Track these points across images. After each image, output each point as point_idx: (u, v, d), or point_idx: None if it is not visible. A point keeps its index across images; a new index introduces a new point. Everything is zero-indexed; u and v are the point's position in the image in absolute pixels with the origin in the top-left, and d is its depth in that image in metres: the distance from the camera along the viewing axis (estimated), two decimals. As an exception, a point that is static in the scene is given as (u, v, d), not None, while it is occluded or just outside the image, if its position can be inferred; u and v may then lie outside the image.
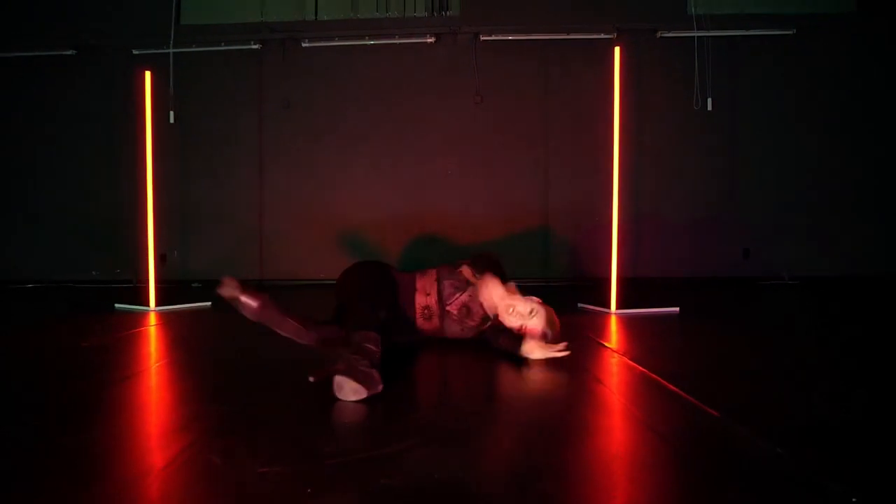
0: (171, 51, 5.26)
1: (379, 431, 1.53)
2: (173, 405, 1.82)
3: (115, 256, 5.46)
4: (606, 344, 2.62)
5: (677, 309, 3.52)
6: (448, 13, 5.31)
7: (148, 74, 3.79)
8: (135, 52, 5.35)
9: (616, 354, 2.41)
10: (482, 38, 5.24)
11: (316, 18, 5.33)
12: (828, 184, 5.29)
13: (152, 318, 3.43)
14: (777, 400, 1.79)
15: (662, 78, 5.31)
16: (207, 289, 5.07)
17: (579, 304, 3.73)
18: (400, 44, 5.29)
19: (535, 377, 2.10)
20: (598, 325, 3.11)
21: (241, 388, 1.96)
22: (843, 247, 5.28)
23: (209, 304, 3.93)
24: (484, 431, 1.54)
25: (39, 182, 5.51)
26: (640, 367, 2.15)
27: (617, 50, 3.52)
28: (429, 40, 5.26)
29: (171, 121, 5.09)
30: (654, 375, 2.02)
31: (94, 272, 5.48)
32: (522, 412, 1.73)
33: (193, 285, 5.24)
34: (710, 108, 5.22)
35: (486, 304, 2.42)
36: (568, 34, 5.24)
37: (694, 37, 5.17)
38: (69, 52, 5.38)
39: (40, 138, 5.50)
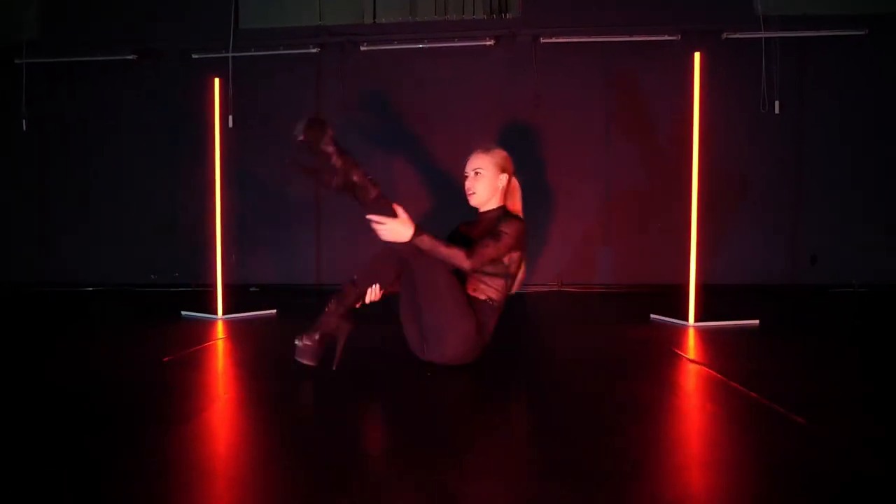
0: (230, 55, 5.28)
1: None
2: (273, 431, 1.77)
3: (172, 260, 5.50)
4: (704, 364, 2.52)
5: (757, 322, 3.40)
6: (507, 15, 5.23)
7: (217, 81, 3.77)
8: (194, 56, 5.38)
9: (724, 380, 2.31)
10: (542, 40, 5.14)
11: (374, 21, 5.30)
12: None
13: (220, 328, 3.42)
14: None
15: (728, 80, 5.13)
16: (266, 294, 5.12)
17: (652, 316, 3.61)
18: (458, 46, 5.22)
19: (643, 392, 2.02)
20: (681, 341, 3.00)
21: (329, 417, 1.91)
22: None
23: (273, 311, 3.91)
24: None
25: (98, 184, 5.58)
26: (746, 390, 2.05)
27: (697, 56, 3.40)
28: (488, 43, 5.18)
29: (230, 125, 5.12)
30: (761, 399, 1.92)
31: (151, 275, 5.53)
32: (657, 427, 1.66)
33: (251, 289, 5.27)
34: (777, 110, 5.06)
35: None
36: (630, 36, 5.12)
37: (761, 38, 5.01)
38: (129, 57, 5.43)
39: (98, 141, 5.57)
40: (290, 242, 5.46)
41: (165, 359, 2.60)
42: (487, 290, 2.34)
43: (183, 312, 3.84)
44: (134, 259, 5.55)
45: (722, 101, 5.17)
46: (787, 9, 5.04)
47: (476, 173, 2.47)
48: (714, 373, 2.33)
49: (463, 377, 2.27)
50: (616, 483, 1.34)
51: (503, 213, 2.48)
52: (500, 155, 2.50)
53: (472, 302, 2.32)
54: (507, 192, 2.53)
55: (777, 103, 5.05)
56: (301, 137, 2.16)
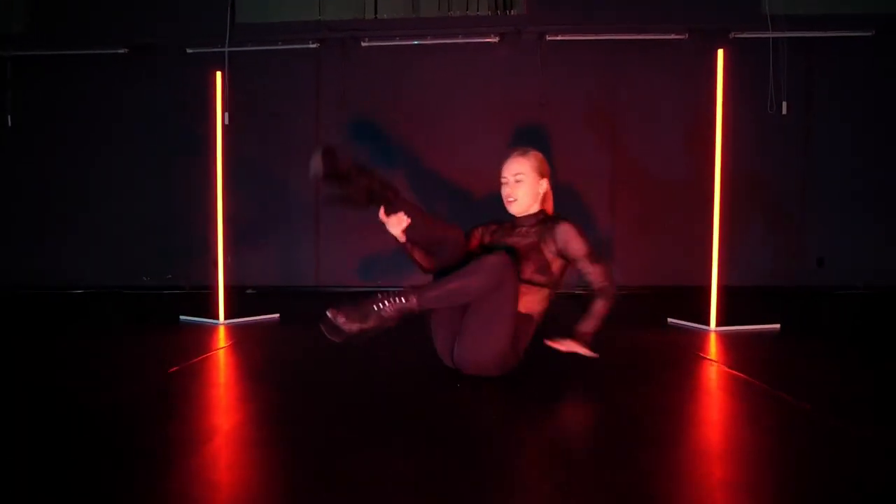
0: (226, 50, 5.12)
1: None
2: (294, 456, 1.64)
3: (165, 261, 5.32)
4: (742, 373, 2.41)
5: (777, 326, 3.31)
6: (512, 12, 5.12)
7: (219, 75, 3.61)
8: (189, 50, 5.20)
9: (768, 389, 2.20)
10: (548, 37, 5.04)
11: (375, 17, 5.16)
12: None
13: (222, 334, 3.26)
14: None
15: (735, 80, 5.04)
16: (264, 296, 4.96)
17: (669, 320, 3.51)
18: (462, 43, 5.09)
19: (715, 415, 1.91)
20: (709, 347, 2.90)
21: (355, 441, 1.78)
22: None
23: (276, 315, 3.77)
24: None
25: (87, 183, 5.38)
26: (794, 400, 1.95)
27: (720, 53, 3.31)
28: (492, 40, 5.07)
29: (226, 122, 4.95)
30: (815, 410, 1.82)
31: (144, 277, 5.35)
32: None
33: (248, 291, 5.10)
34: (784, 111, 5.00)
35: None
36: (637, 34, 5.03)
37: (769, 38, 4.94)
38: (121, 51, 5.23)
39: (89, 138, 5.37)
40: (287, 243, 5.31)
41: (171, 370, 2.45)
42: (532, 303, 2.26)
43: (181, 317, 3.67)
44: (126, 260, 5.36)
45: (730, 101, 5.11)
46: (794, 9, 4.98)
47: (517, 179, 2.35)
48: (757, 381, 2.22)
49: (491, 388, 2.15)
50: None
51: (545, 216, 2.39)
52: (537, 158, 2.40)
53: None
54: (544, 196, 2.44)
55: (784, 104, 4.99)
56: (321, 172, 2.07)
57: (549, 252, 2.28)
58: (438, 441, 1.66)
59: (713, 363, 2.59)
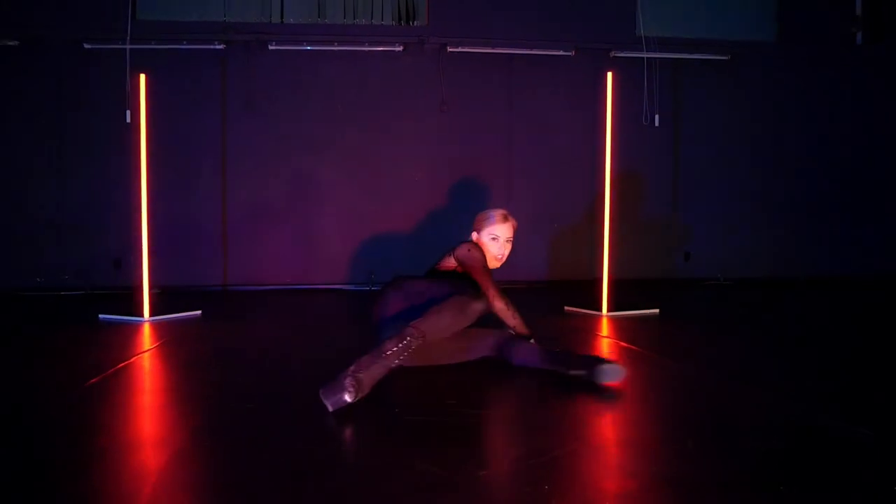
0: (127, 47, 5.03)
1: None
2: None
3: (62, 261, 5.15)
4: (640, 348, 2.84)
5: (657, 311, 3.84)
6: (415, 23, 5.42)
7: (143, 77, 3.64)
8: (86, 46, 5.08)
9: (664, 360, 2.63)
10: (449, 49, 5.38)
11: (282, 21, 5.28)
12: (756, 194, 5.86)
13: (148, 334, 3.27)
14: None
15: (616, 94, 5.66)
16: (173, 296, 4.92)
17: (566, 308, 3.95)
18: (368, 51, 5.33)
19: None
20: (608, 329, 3.34)
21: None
22: (770, 251, 5.87)
23: (199, 312, 3.84)
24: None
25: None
26: (677, 363, 2.38)
27: (609, 75, 3.79)
28: (397, 49, 5.34)
29: (128, 120, 4.88)
30: (704, 370, 2.25)
31: (38, 279, 5.14)
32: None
33: (154, 291, 5.04)
34: (657, 123, 5.63)
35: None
36: (531, 49, 5.49)
37: (643, 57, 5.56)
38: (12, 43, 5.01)
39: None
40: (194, 243, 5.29)
41: (109, 370, 2.53)
42: None
43: (101, 315, 3.65)
44: (16, 260, 5.13)
45: (613, 113, 5.71)
46: (664, 32, 5.64)
47: (509, 240, 2.65)
48: (647, 352, 2.66)
49: (416, 379, 2.41)
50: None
51: None
52: None
53: None
54: None
55: (657, 116, 5.62)
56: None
57: None
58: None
59: (610, 340, 3.01)
